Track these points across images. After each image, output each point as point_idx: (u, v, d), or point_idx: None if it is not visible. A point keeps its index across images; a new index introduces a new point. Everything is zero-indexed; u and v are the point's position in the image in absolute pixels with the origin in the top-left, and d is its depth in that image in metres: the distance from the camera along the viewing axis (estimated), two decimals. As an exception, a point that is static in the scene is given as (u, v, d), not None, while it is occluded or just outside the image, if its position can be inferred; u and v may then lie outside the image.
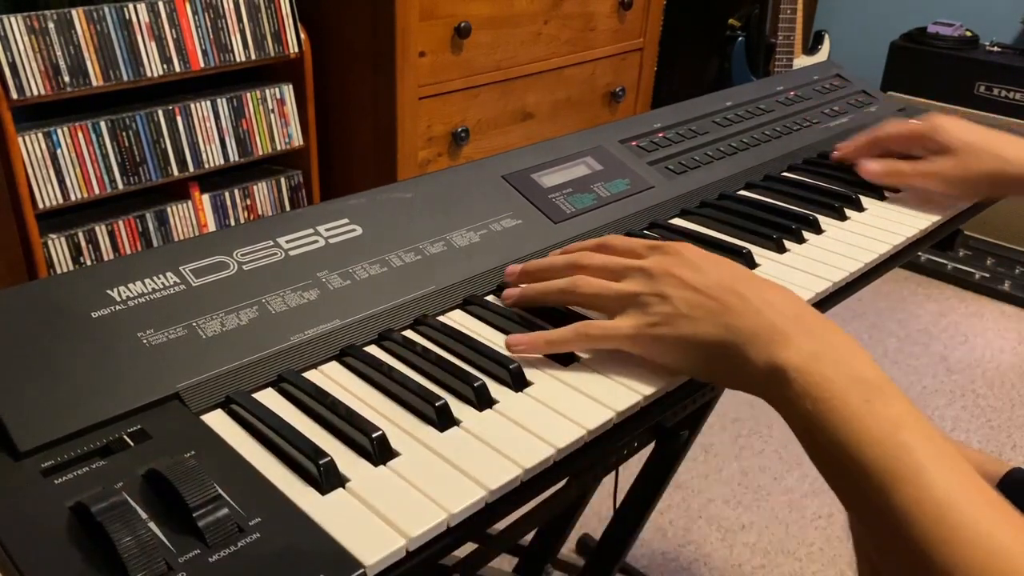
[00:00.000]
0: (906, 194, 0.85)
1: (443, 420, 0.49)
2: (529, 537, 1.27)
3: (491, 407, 0.51)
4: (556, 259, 0.60)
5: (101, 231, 1.47)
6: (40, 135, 1.34)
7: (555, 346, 0.55)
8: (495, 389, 0.53)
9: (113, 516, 0.38)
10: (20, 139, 1.31)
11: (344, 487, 0.44)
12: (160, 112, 1.48)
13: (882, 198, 0.87)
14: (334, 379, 0.54)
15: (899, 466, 0.43)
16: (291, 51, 1.63)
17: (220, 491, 0.41)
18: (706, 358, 0.51)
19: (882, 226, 0.80)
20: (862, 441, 0.44)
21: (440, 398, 0.50)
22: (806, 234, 0.77)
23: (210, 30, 1.50)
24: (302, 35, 1.63)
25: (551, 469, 0.48)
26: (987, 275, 2.39)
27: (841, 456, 0.45)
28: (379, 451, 0.46)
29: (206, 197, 1.62)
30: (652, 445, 0.55)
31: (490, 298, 0.64)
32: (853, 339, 0.49)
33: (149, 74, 1.43)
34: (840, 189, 0.86)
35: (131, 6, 1.39)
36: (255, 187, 1.69)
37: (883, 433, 0.44)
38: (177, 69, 1.47)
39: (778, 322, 0.49)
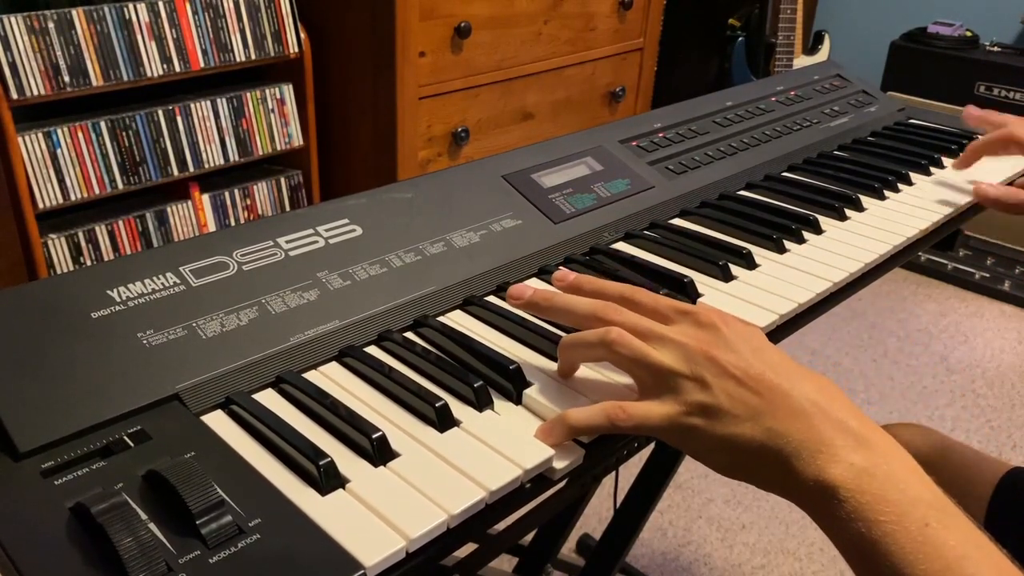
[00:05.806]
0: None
1: (443, 421, 0.49)
2: (529, 537, 1.27)
3: (491, 407, 0.51)
4: (578, 303, 0.54)
5: (101, 231, 1.47)
6: (40, 135, 1.34)
7: (579, 432, 0.49)
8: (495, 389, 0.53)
9: (113, 517, 0.38)
10: (20, 139, 1.31)
11: (344, 488, 0.44)
12: (160, 112, 1.48)
13: (882, 198, 0.87)
14: (334, 380, 0.54)
15: None
16: (291, 51, 1.63)
17: (220, 492, 0.41)
18: (744, 462, 0.47)
19: (882, 226, 0.80)
20: (925, 571, 0.41)
21: (440, 399, 0.50)
22: (806, 234, 0.77)
23: (210, 30, 1.50)
24: (302, 35, 1.63)
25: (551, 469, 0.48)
26: (987, 275, 2.38)
27: None
28: (379, 452, 0.46)
29: (206, 197, 1.62)
30: (652, 445, 0.55)
31: (490, 298, 0.64)
32: (898, 445, 0.46)
33: (149, 74, 1.43)
34: (840, 189, 0.86)
35: (131, 6, 1.39)
36: (255, 187, 1.69)
37: (945, 563, 0.41)
38: (177, 69, 1.47)
39: (824, 431, 0.45)
